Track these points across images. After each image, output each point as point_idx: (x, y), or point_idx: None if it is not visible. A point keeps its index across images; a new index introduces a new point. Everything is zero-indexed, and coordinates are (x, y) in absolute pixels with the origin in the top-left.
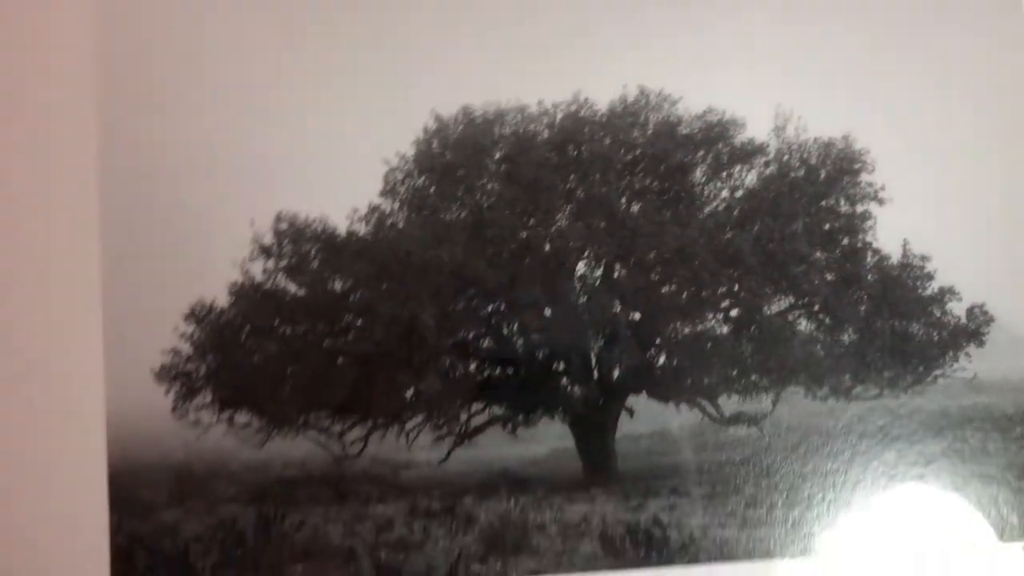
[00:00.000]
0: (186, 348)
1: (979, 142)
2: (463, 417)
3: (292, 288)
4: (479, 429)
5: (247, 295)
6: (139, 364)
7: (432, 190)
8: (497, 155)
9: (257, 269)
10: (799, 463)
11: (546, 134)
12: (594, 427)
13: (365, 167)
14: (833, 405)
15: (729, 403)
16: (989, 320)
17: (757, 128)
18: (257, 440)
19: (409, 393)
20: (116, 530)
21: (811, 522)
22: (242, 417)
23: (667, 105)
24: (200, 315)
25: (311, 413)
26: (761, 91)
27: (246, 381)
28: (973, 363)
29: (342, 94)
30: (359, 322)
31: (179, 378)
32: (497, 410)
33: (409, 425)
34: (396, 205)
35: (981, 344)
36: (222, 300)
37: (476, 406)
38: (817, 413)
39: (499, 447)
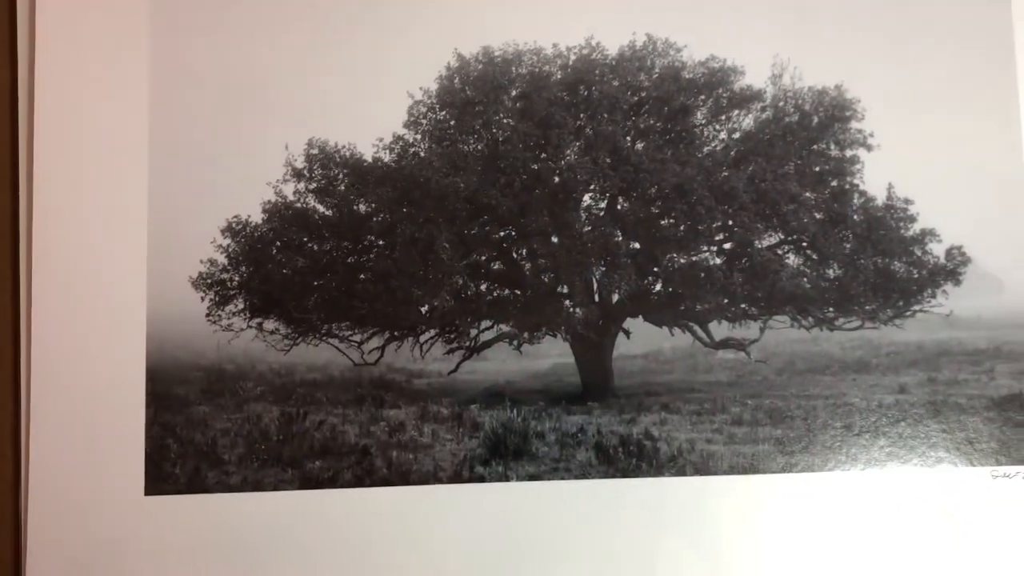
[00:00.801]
0: (222, 259)
1: (962, 95)
2: (473, 333)
3: (320, 208)
4: (487, 344)
5: (279, 213)
6: (178, 272)
7: (452, 123)
8: (513, 93)
9: (289, 190)
10: (783, 386)
11: (559, 75)
12: (593, 346)
13: (391, 100)
14: (817, 334)
15: (719, 329)
16: (966, 261)
17: (755, 75)
18: (283, 345)
19: (424, 308)
20: (152, 422)
21: (793, 441)
22: (270, 324)
23: (672, 52)
24: (236, 229)
25: (333, 323)
26: (760, 41)
27: (275, 291)
28: (950, 300)
29: (372, 32)
30: (380, 242)
31: (214, 286)
32: (504, 327)
33: (423, 338)
34: (418, 136)
35: (958, 283)
36: (257, 217)
37: (485, 323)
38: (802, 341)
39: (505, 361)
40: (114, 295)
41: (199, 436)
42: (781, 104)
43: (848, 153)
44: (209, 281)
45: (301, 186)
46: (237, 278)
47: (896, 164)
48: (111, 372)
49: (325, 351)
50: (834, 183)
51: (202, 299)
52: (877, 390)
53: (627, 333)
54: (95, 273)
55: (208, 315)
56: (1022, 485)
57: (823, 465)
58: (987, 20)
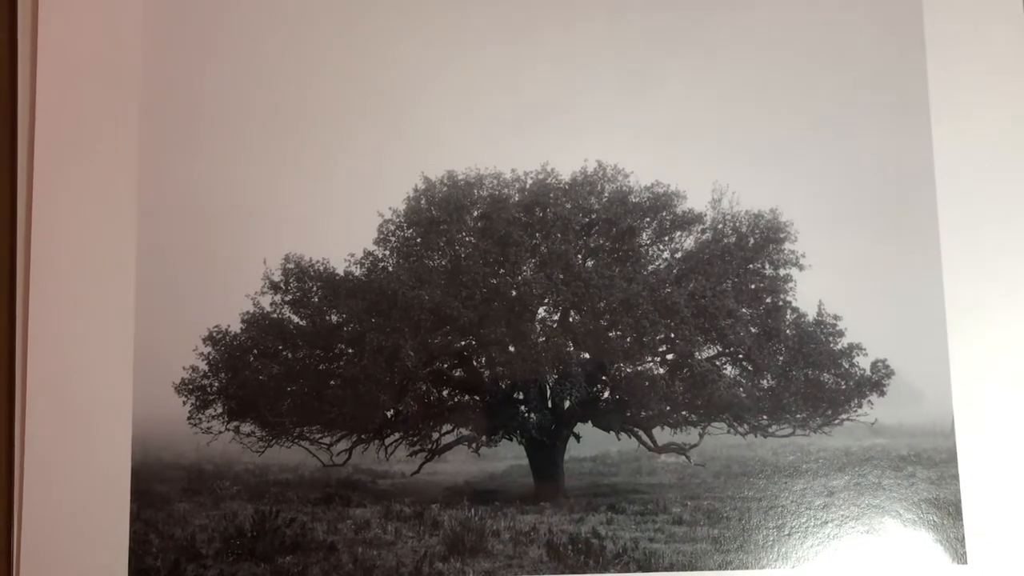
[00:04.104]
0: (203, 366)
1: (886, 219)
2: (434, 436)
3: (295, 319)
4: (448, 446)
5: (257, 323)
6: (162, 378)
7: (418, 240)
8: (475, 213)
9: (266, 302)
10: (720, 489)
11: (517, 197)
12: (546, 449)
13: (362, 219)
14: (752, 440)
15: (662, 434)
16: (890, 373)
17: (696, 200)
18: (258, 447)
19: (390, 413)
20: (135, 517)
21: (729, 540)
22: (247, 427)
23: (620, 177)
24: (217, 338)
25: (305, 426)
26: (701, 168)
27: (251, 396)
28: (875, 410)
29: (345, 156)
30: (350, 350)
31: (195, 391)
32: (464, 431)
33: (388, 440)
34: (387, 252)
35: (882, 394)
36: (236, 326)
37: (446, 427)
38: (737, 446)
39: (464, 463)
40: (102, 400)
41: (179, 531)
42: (720, 226)
43: (781, 272)
44: (191, 387)
45: (278, 298)
46: (216, 384)
47: (826, 283)
48: (99, 471)
49: (297, 453)
50: (768, 300)
51: (184, 403)
52: (807, 493)
53: (577, 437)
54: (85, 379)
55: (189, 418)
56: None
57: (756, 563)
58: (909, 149)
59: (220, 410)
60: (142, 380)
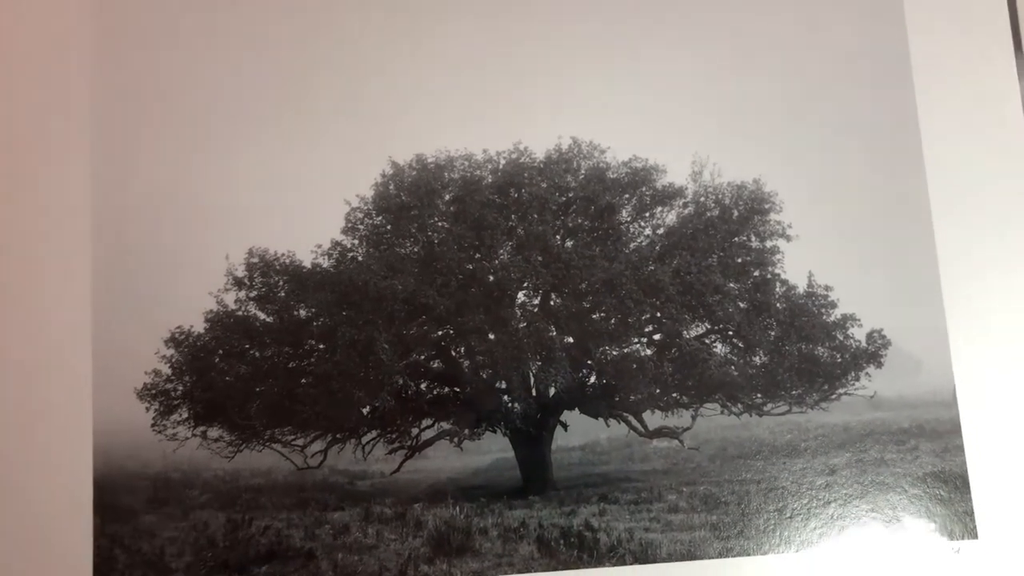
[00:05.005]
0: (166, 369)
1: (874, 184)
2: (414, 432)
3: (261, 315)
4: (428, 442)
5: (221, 322)
6: (124, 383)
7: (388, 227)
8: (447, 197)
9: (230, 299)
10: (716, 473)
11: (490, 179)
12: (532, 440)
13: (329, 207)
14: (747, 420)
15: (653, 418)
16: (886, 344)
17: (676, 173)
18: (227, 452)
19: (366, 410)
20: (99, 532)
21: (728, 526)
22: (214, 432)
23: (596, 153)
24: (179, 339)
25: (276, 428)
26: (680, 140)
27: (218, 399)
28: (873, 382)
29: (308, 144)
30: (321, 346)
31: (159, 396)
32: (445, 425)
33: (365, 439)
34: (356, 241)
35: (880, 365)
36: (199, 326)
37: (426, 421)
38: (732, 427)
39: (446, 459)
40: (61, 409)
41: (146, 546)
42: (702, 199)
43: (768, 244)
44: (154, 391)
45: (242, 294)
46: (181, 387)
47: (815, 253)
48: (59, 484)
49: (268, 456)
50: (756, 273)
51: (147, 409)
52: (808, 473)
53: (564, 426)
54: (41, 388)
55: (153, 425)
56: (951, 561)
57: (758, 549)
58: (892, 110)
59: (186, 415)
60: (102, 387)
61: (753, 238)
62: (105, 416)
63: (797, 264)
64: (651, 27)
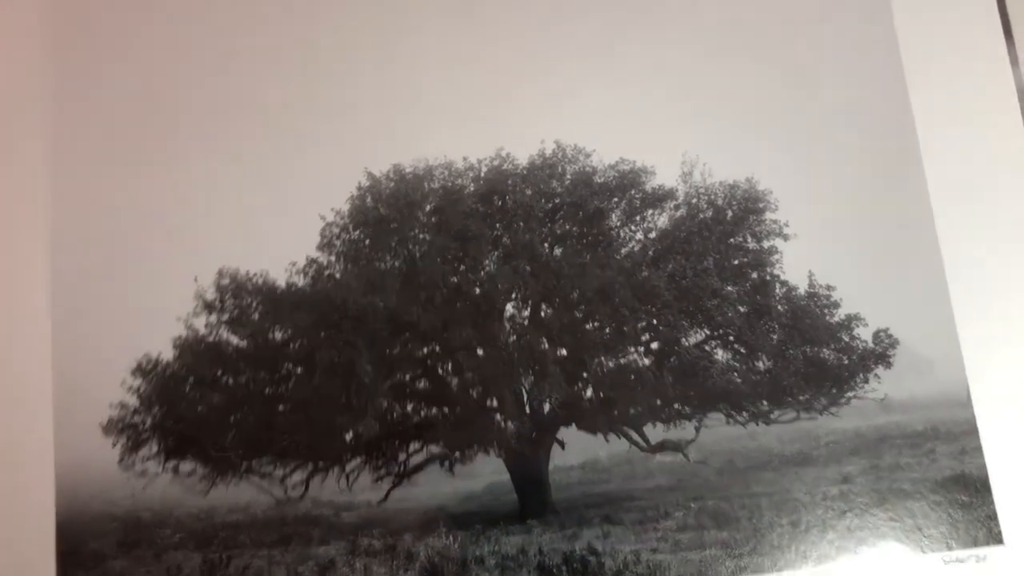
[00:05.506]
0: (133, 401)
1: (871, 179)
2: (401, 457)
3: (234, 340)
4: (417, 468)
5: (191, 348)
6: (87, 418)
7: (367, 242)
8: (427, 207)
9: (200, 323)
10: (725, 486)
11: (472, 187)
12: (528, 460)
13: (302, 223)
14: (754, 429)
15: (654, 432)
16: (894, 343)
17: (666, 175)
18: (202, 487)
19: (349, 436)
20: None
21: (740, 543)
22: (187, 466)
23: (582, 157)
24: (146, 369)
25: (254, 459)
26: (668, 140)
27: (190, 431)
28: (883, 384)
29: (278, 157)
30: (299, 370)
31: (126, 431)
32: (434, 448)
33: (349, 467)
34: (333, 258)
35: (889, 366)
36: (167, 354)
37: (414, 445)
38: (739, 437)
39: (437, 484)
40: (18, 447)
41: None
42: (694, 201)
43: (765, 244)
44: (120, 425)
45: (213, 318)
46: (150, 420)
47: (814, 252)
48: (17, 531)
49: (246, 490)
50: (754, 275)
51: (114, 445)
52: (821, 482)
53: (561, 444)
54: None
55: (121, 461)
56: (975, 569)
57: (773, 566)
58: (885, 103)
59: (155, 449)
60: (64, 422)
61: (749, 239)
62: (67, 454)
63: (797, 264)
64: (633, 22)
